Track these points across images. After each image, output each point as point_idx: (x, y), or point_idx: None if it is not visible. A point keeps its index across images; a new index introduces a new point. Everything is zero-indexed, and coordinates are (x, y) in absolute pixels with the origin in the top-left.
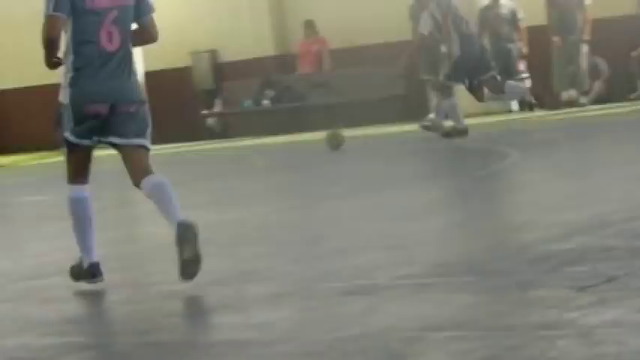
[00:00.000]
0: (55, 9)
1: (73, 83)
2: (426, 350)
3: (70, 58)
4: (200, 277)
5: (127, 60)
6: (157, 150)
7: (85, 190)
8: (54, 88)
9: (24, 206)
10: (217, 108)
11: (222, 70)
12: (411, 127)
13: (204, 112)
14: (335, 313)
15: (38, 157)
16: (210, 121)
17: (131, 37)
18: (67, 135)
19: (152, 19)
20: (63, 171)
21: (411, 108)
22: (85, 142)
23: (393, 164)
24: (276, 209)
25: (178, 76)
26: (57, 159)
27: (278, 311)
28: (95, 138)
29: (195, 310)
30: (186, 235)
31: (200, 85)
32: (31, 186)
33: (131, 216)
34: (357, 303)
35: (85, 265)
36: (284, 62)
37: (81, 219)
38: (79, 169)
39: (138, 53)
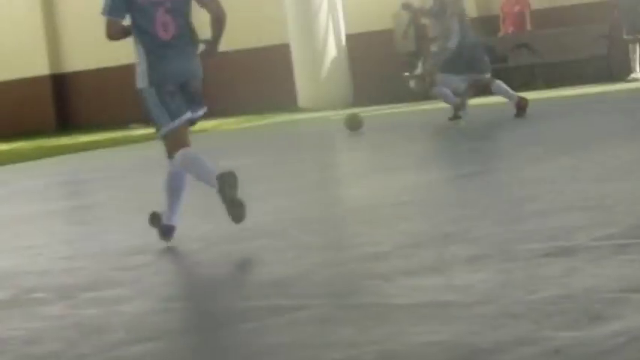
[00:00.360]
0: (110, 12)
1: (147, 68)
2: (626, 312)
3: (137, 47)
4: (401, 239)
5: (186, 43)
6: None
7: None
8: None
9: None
10: (419, 70)
11: (424, 33)
12: (613, 87)
13: (406, 74)
14: (534, 275)
15: (242, 121)
16: (412, 83)
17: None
18: (166, 127)
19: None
20: (265, 135)
21: (612, 68)
22: (185, 117)
23: (593, 124)
24: (476, 171)
25: (380, 38)
26: (260, 122)
27: (478, 273)
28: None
29: (396, 272)
30: (224, 180)
31: (402, 48)
32: (237, 149)
33: (333, 178)
34: (557, 264)
35: (164, 221)
36: (487, 23)
37: (179, 189)
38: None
39: (339, 16)
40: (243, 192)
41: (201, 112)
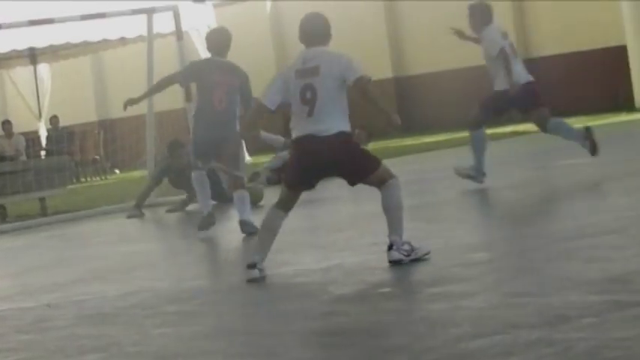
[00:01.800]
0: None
1: None
2: None
3: None
4: None
5: None
6: None
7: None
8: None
9: (567, 168)
10: None
11: None
12: None
13: None
14: None
15: (578, 122)
16: None
17: None
18: None
19: None
20: (605, 134)
21: None
22: None
23: None
24: None
25: None
26: (597, 122)
27: None
28: None
29: None
30: None
31: None
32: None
33: None
34: None
35: None
36: None
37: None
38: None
39: None
40: (584, 190)
41: None
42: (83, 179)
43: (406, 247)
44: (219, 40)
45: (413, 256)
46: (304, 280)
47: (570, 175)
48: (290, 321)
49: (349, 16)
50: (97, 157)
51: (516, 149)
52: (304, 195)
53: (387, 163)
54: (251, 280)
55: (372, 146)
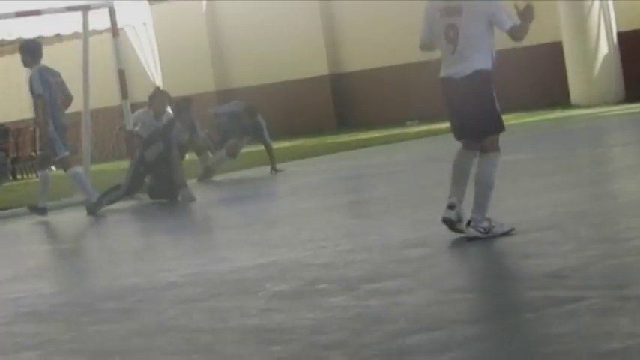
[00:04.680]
0: None
1: None
2: None
3: None
4: None
5: None
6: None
7: None
8: None
9: (504, 164)
10: None
11: None
12: None
13: None
14: None
15: (514, 118)
16: None
17: None
18: None
19: None
20: (540, 131)
21: None
22: None
23: None
24: None
25: None
26: (533, 119)
27: None
28: None
29: None
30: None
31: None
32: (510, 145)
33: (606, 173)
34: None
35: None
36: None
37: None
38: None
39: (611, 15)
40: (519, 187)
41: None
42: (19, 176)
43: (485, 224)
44: None
45: (490, 235)
46: (240, 277)
47: (506, 172)
48: (227, 317)
49: (284, 13)
50: (33, 154)
51: (453, 146)
52: (240, 191)
53: (322, 159)
54: (446, 221)
55: (305, 142)
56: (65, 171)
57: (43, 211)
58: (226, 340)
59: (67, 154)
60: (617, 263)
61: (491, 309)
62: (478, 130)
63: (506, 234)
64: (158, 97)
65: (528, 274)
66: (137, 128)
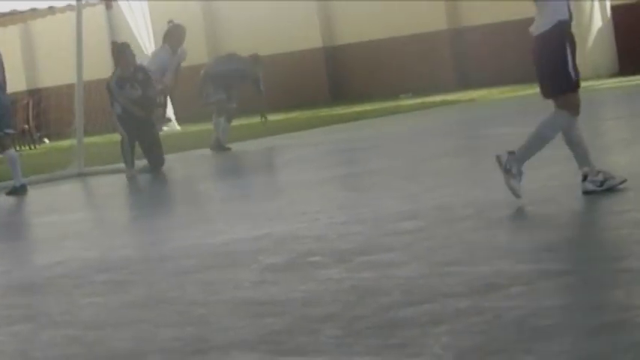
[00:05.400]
0: None
1: None
2: None
3: None
4: None
5: None
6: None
7: None
8: None
9: (496, 137)
10: None
11: None
12: None
13: None
14: None
15: (508, 91)
16: None
17: None
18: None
19: None
20: (532, 105)
21: None
22: None
23: None
24: None
25: None
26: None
27: None
28: None
29: None
30: None
31: None
32: (503, 118)
33: (601, 146)
34: None
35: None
36: None
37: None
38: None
39: None
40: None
41: None
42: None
43: (600, 177)
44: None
45: (606, 186)
46: (234, 249)
47: (499, 145)
48: (220, 290)
49: None
50: (26, 126)
51: (447, 118)
52: (234, 163)
53: (317, 132)
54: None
55: (299, 115)
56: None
57: (23, 189)
58: (219, 312)
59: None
60: (612, 235)
61: (484, 282)
62: (551, 86)
63: (616, 188)
64: (173, 31)
65: (521, 248)
66: (146, 63)
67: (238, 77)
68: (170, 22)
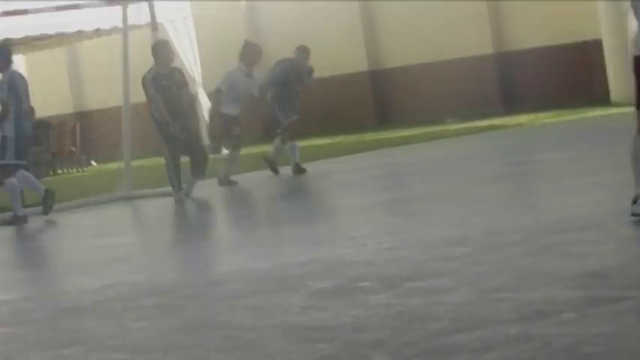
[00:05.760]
0: None
1: None
2: None
3: None
4: None
5: None
6: None
7: None
8: None
9: (544, 163)
10: None
11: None
12: None
13: None
14: None
15: (554, 116)
16: None
17: None
18: None
19: None
20: (580, 129)
21: None
22: None
23: None
24: None
25: None
26: (572, 117)
27: None
28: None
29: None
30: None
31: None
32: (550, 143)
33: None
34: None
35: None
36: None
37: None
38: None
39: None
40: (559, 185)
41: None
42: (60, 171)
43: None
44: None
45: None
46: (282, 274)
47: (548, 170)
48: (269, 315)
49: (324, 9)
50: (74, 148)
51: (493, 144)
52: (277, 188)
53: (362, 156)
54: (636, 215)
55: (345, 139)
56: (4, 179)
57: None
58: (268, 337)
59: (12, 162)
60: None
61: (533, 309)
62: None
63: None
64: (246, 48)
65: (570, 274)
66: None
67: (294, 79)
68: (245, 40)
